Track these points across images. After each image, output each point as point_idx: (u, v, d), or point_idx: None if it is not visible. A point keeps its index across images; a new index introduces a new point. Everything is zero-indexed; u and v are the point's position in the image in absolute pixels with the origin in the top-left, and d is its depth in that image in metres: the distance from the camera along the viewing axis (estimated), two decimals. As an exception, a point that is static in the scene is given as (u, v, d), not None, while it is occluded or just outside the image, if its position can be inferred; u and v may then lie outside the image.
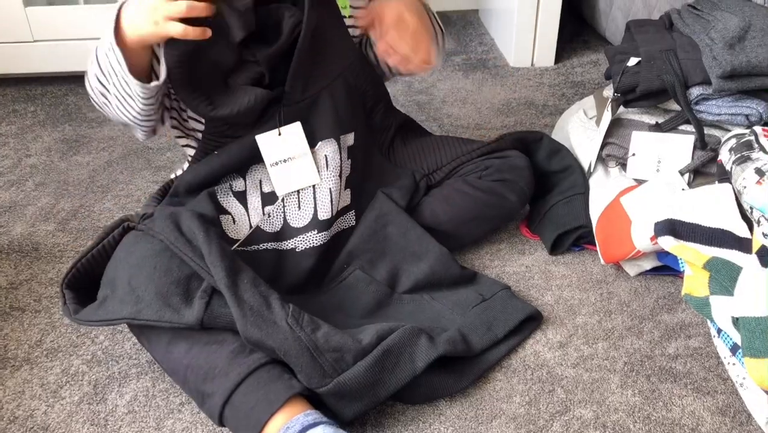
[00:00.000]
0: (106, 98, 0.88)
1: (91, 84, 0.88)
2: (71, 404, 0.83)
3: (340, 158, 0.95)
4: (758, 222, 0.79)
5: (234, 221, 0.93)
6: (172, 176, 1.03)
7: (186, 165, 1.00)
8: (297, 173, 0.93)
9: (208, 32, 0.82)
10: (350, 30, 0.97)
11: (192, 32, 0.81)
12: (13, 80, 1.49)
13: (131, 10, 0.81)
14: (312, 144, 0.93)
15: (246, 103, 0.88)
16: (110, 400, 0.83)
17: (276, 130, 0.91)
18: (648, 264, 0.97)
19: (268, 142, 0.91)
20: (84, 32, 1.39)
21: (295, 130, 0.92)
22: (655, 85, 0.95)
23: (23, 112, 1.42)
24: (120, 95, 0.86)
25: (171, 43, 0.84)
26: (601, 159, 1.03)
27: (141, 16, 0.80)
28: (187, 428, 0.80)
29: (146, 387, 0.84)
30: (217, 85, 0.89)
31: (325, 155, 0.94)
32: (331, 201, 0.94)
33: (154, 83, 0.84)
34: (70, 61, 1.43)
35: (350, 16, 0.96)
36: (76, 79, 1.51)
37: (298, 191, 0.93)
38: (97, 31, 0.87)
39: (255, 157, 0.93)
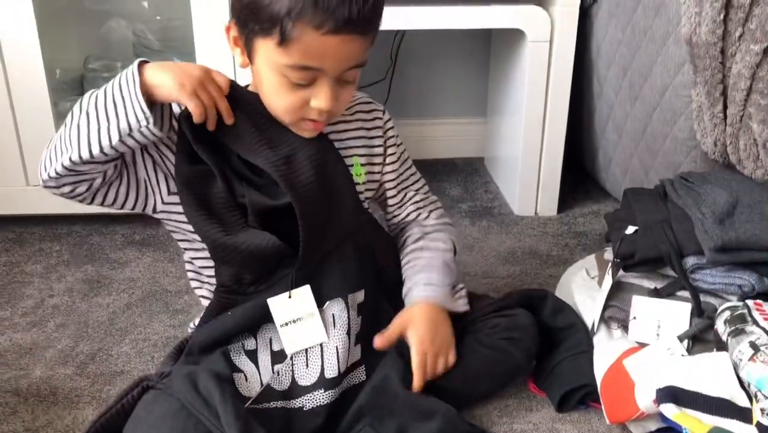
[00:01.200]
0: (70, 120, 0.87)
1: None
2: None
3: (348, 316, 0.98)
4: (756, 397, 0.82)
5: (246, 379, 0.96)
6: (190, 326, 1.07)
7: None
8: (305, 333, 0.97)
9: (211, 125, 0.89)
10: (362, 195, 1.02)
11: (198, 113, 0.86)
12: (40, 219, 1.57)
13: (166, 65, 0.87)
14: (320, 303, 0.97)
15: (258, 244, 0.92)
16: None
17: (287, 294, 0.96)
18: (653, 425, 0.98)
19: (278, 304, 0.96)
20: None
21: (304, 293, 0.96)
22: (652, 253, 1.01)
23: (49, 251, 1.49)
24: (97, 118, 0.85)
25: (180, 162, 0.92)
26: (604, 320, 1.07)
27: (173, 73, 0.85)
28: None
29: None
30: (229, 214, 0.94)
31: (333, 314, 0.98)
32: (338, 359, 0.97)
33: (156, 127, 0.86)
34: (96, 203, 1.51)
35: (364, 182, 1.01)
36: (101, 219, 1.58)
37: (306, 350, 0.97)
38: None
39: (266, 317, 0.97)
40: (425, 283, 1.01)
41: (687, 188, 1.08)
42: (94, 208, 1.49)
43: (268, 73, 0.89)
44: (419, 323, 0.98)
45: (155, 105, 0.87)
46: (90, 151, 0.85)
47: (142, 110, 0.84)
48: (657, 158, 1.40)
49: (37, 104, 1.44)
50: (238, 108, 0.92)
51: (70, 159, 0.86)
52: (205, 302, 1.03)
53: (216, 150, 0.93)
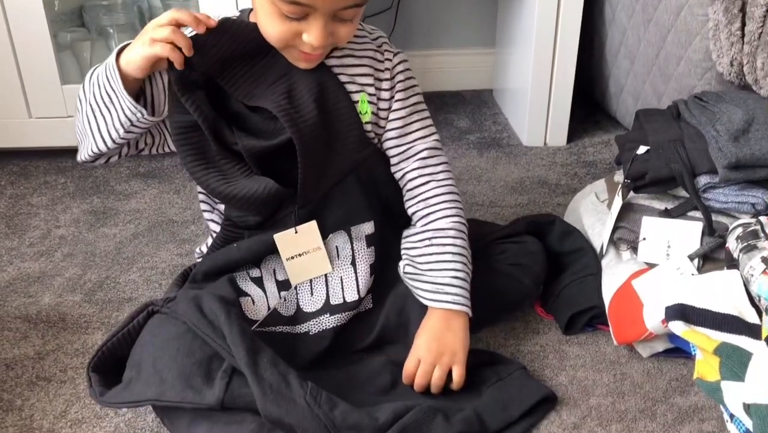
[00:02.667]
0: (81, 104, 0.93)
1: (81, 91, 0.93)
2: (93, 477, 0.84)
3: (352, 248, 0.98)
4: (766, 311, 0.81)
5: (254, 302, 0.96)
6: (197, 252, 1.07)
7: (210, 240, 1.04)
8: (310, 265, 0.96)
9: (179, 58, 0.86)
10: (369, 134, 0.97)
11: (166, 55, 0.85)
12: (46, 153, 1.56)
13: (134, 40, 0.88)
14: (323, 236, 0.96)
15: (256, 190, 0.91)
16: (131, 474, 0.84)
17: (293, 229, 0.95)
18: (660, 346, 0.99)
19: (285, 239, 0.95)
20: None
21: (310, 228, 0.95)
22: (663, 173, 0.99)
23: (54, 183, 1.48)
24: (101, 111, 0.90)
25: (172, 110, 0.90)
26: (613, 242, 1.06)
27: (136, 41, 0.87)
28: (206, 504, 0.81)
29: (166, 462, 0.86)
30: (227, 164, 0.92)
31: (336, 246, 0.97)
32: (342, 288, 0.97)
33: (145, 114, 0.88)
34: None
35: (369, 121, 0.97)
36: (106, 152, 1.57)
37: (310, 279, 0.97)
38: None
39: (270, 251, 0.96)
40: (432, 290, 0.95)
41: (701, 107, 1.05)
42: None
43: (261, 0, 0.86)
44: (422, 334, 0.94)
45: (144, 83, 0.90)
46: (105, 144, 0.92)
47: (133, 105, 0.88)
48: (670, 83, 1.36)
49: (37, 37, 1.42)
50: (232, 44, 0.89)
51: (92, 150, 0.94)
52: (214, 227, 1.03)
53: (208, 95, 0.90)
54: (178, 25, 0.86)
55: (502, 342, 1.04)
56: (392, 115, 0.98)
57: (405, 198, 1.01)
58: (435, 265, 0.95)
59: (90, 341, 1.05)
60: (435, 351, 0.91)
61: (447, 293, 0.94)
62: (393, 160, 1.00)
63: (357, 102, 0.96)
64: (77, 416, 0.92)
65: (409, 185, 1.00)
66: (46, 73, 1.45)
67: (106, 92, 0.88)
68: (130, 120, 0.89)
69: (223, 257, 0.99)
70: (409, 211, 1.00)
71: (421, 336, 0.94)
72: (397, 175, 1.00)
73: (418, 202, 0.99)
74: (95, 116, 0.91)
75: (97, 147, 0.93)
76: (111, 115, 0.89)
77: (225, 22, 0.89)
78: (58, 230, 1.33)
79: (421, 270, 0.96)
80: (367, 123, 0.97)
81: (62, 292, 1.16)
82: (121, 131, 0.90)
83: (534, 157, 1.58)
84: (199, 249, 1.07)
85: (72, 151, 1.54)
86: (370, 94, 0.96)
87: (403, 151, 0.99)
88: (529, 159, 1.57)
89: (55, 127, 1.49)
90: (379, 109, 0.97)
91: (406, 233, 1.01)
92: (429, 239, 0.97)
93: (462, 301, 0.94)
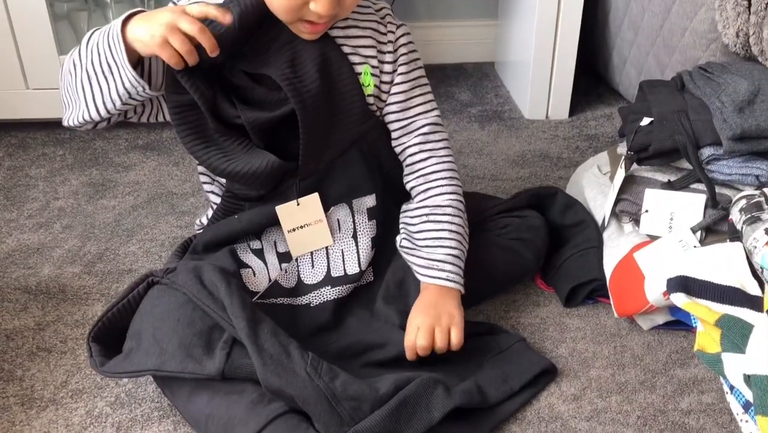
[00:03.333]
0: (75, 69, 0.88)
1: (72, 56, 0.89)
2: (94, 446, 0.85)
3: (354, 221, 0.97)
4: (769, 282, 0.81)
5: (254, 274, 0.96)
6: (197, 223, 1.07)
7: (210, 212, 1.04)
8: (312, 238, 0.96)
9: (191, 62, 0.83)
10: (371, 106, 0.96)
11: (173, 62, 0.82)
12: (43, 124, 1.55)
13: (145, 15, 0.83)
14: (325, 208, 0.96)
15: (258, 166, 0.90)
16: (132, 443, 0.85)
17: (294, 201, 0.94)
18: (661, 318, 0.99)
19: (287, 211, 0.95)
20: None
21: (312, 201, 0.95)
22: (667, 144, 0.98)
23: (52, 155, 1.47)
24: (98, 80, 0.86)
25: (169, 89, 0.89)
26: (615, 215, 1.06)
27: (146, 24, 0.82)
28: (207, 473, 0.81)
29: (168, 430, 0.86)
30: (227, 141, 0.91)
31: (337, 219, 0.97)
32: (343, 261, 0.97)
33: (146, 87, 0.85)
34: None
35: (371, 94, 0.95)
36: (104, 124, 1.56)
37: (311, 252, 0.97)
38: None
39: (271, 223, 0.96)
40: (426, 266, 0.94)
41: (706, 79, 1.04)
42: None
43: None
44: (417, 307, 0.93)
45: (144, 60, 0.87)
46: (98, 113, 0.89)
47: (135, 78, 0.84)
48: (674, 55, 1.35)
49: (33, 6, 1.40)
50: (241, 32, 0.87)
51: (82, 117, 0.90)
52: (214, 199, 1.02)
53: (205, 72, 0.88)
54: (205, 18, 0.82)
55: (502, 315, 1.04)
56: (394, 89, 0.97)
57: (405, 173, 1.00)
58: (431, 241, 0.95)
59: (90, 312, 1.05)
60: (433, 315, 0.91)
61: (441, 270, 0.94)
62: (394, 135, 0.99)
63: (360, 74, 0.95)
64: (78, 387, 0.92)
65: (409, 160, 0.99)
66: (42, 43, 1.43)
67: (107, 61, 0.85)
68: (129, 92, 0.86)
69: (223, 229, 0.98)
70: (408, 186, 1.00)
71: (416, 308, 0.94)
72: (398, 150, 1.00)
73: (418, 177, 0.99)
74: (91, 84, 0.87)
75: (89, 115, 0.89)
76: (109, 85, 0.86)
77: (235, 11, 0.85)
78: (56, 201, 1.32)
79: (418, 245, 0.96)
80: (369, 96, 0.96)
81: (62, 263, 1.16)
82: (118, 103, 0.87)
83: (536, 130, 1.57)
84: (199, 221, 1.06)
85: (70, 123, 1.54)
86: (373, 67, 0.95)
87: (404, 126, 0.98)
88: (531, 132, 1.56)
89: (53, 99, 1.46)
90: (381, 82, 0.96)
91: (404, 207, 1.01)
92: (426, 215, 0.97)
93: (455, 278, 0.94)
